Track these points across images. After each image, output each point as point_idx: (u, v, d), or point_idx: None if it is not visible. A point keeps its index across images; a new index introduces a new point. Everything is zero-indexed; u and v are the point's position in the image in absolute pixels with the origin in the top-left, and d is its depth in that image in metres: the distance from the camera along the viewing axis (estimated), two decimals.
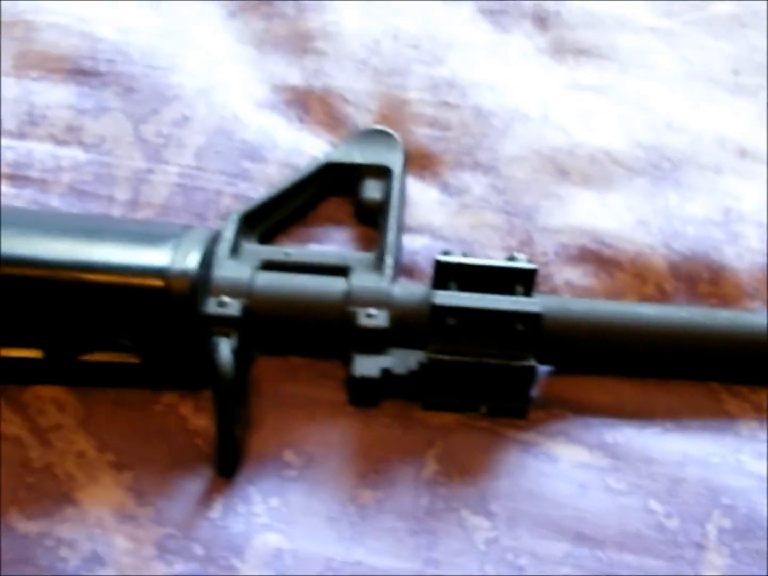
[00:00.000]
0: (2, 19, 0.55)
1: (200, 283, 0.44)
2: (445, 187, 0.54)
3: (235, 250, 0.47)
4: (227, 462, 0.44)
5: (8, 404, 0.45)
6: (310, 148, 0.54)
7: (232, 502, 0.43)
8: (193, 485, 0.43)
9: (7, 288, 0.43)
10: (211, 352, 0.43)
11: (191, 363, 0.44)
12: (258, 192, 0.52)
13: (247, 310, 0.44)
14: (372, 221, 0.51)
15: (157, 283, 0.43)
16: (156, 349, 0.44)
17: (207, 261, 0.45)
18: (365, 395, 0.45)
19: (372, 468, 0.44)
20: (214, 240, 0.46)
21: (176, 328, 0.43)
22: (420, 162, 0.54)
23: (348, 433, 0.45)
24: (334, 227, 0.52)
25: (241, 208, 0.49)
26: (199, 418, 0.45)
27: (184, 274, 0.43)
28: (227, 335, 0.44)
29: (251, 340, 0.45)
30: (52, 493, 0.43)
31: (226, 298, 0.44)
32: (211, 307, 0.44)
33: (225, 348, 0.42)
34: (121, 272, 0.43)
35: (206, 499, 0.43)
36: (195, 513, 0.43)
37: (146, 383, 0.46)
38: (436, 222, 0.52)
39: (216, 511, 0.43)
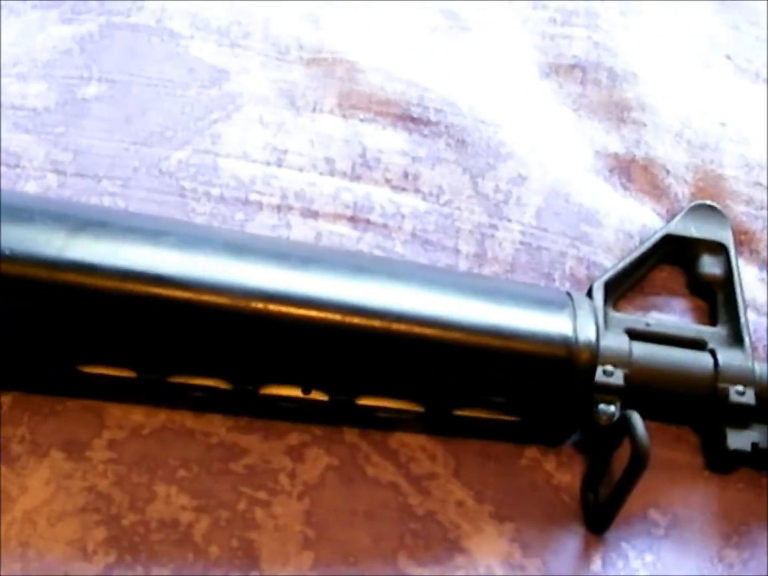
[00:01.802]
0: (322, 56, 0.53)
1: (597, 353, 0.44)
2: (765, 265, 0.53)
3: (604, 318, 0.47)
4: (602, 520, 0.44)
5: (376, 450, 0.45)
6: (638, 215, 0.53)
7: (609, 557, 0.44)
8: (570, 539, 0.44)
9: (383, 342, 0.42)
10: (626, 426, 0.43)
11: (561, 422, 0.45)
12: (598, 256, 0.51)
13: (628, 380, 0.45)
14: (706, 294, 0.52)
15: (562, 352, 0.43)
16: (531, 408, 0.45)
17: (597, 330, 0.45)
18: (732, 465, 0.47)
19: (734, 529, 0.46)
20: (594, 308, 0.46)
21: (561, 392, 0.44)
22: (739, 238, 0.54)
23: (707, 495, 0.47)
24: (669, 297, 0.52)
25: (602, 275, 0.49)
26: (562, 474, 0.46)
27: (587, 345, 0.44)
28: (611, 402, 0.44)
29: (627, 408, 0.45)
30: (440, 541, 0.43)
31: (610, 368, 0.45)
32: (599, 375, 0.44)
33: (639, 422, 0.43)
34: (522, 339, 0.44)
35: (585, 553, 0.44)
36: (579, 566, 0.44)
37: (512, 437, 0.46)
38: (759, 299, 0.52)
39: (596, 565, 0.44)
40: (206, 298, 0.40)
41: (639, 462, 0.42)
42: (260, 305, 0.41)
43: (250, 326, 0.41)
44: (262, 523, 0.42)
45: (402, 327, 0.42)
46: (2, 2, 0.55)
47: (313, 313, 0.41)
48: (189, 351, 0.41)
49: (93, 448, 0.43)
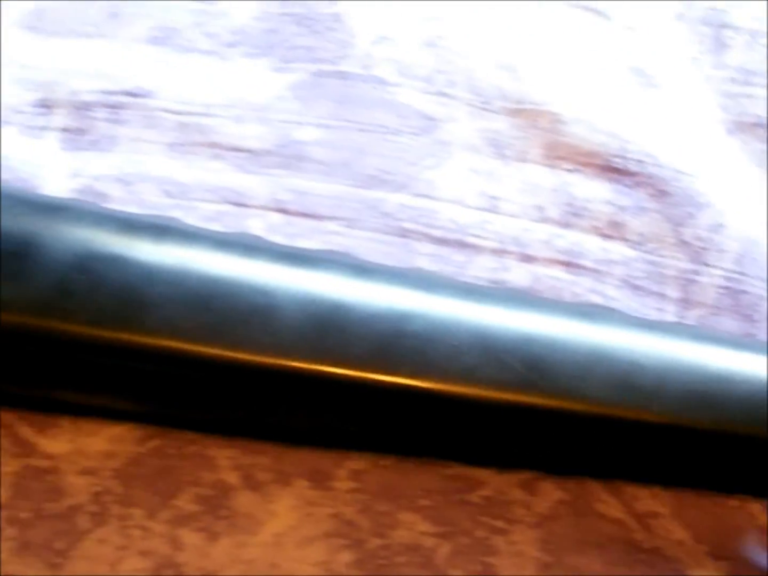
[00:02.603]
0: (525, 107, 0.55)
1: None
2: None
3: None
4: None
5: (603, 487, 0.47)
6: None
7: None
8: None
9: None
10: None
11: None
12: None
13: None
14: None
15: None
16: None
17: None
18: None
19: None
20: None
21: None
22: None
23: None
24: None
25: None
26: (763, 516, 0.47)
27: None
28: None
29: None
30: (667, 572, 0.45)
31: None
32: None
33: None
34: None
35: None
36: None
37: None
38: None
39: None
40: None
41: None
42: None
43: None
44: (500, 549, 0.44)
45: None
46: (212, 49, 0.57)
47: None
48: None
49: (336, 478, 0.45)
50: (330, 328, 0.41)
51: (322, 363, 0.40)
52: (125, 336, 0.41)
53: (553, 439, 0.43)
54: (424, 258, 0.50)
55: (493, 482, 0.45)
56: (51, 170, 0.54)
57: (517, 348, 0.41)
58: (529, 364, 0.41)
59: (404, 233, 0.50)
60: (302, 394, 0.41)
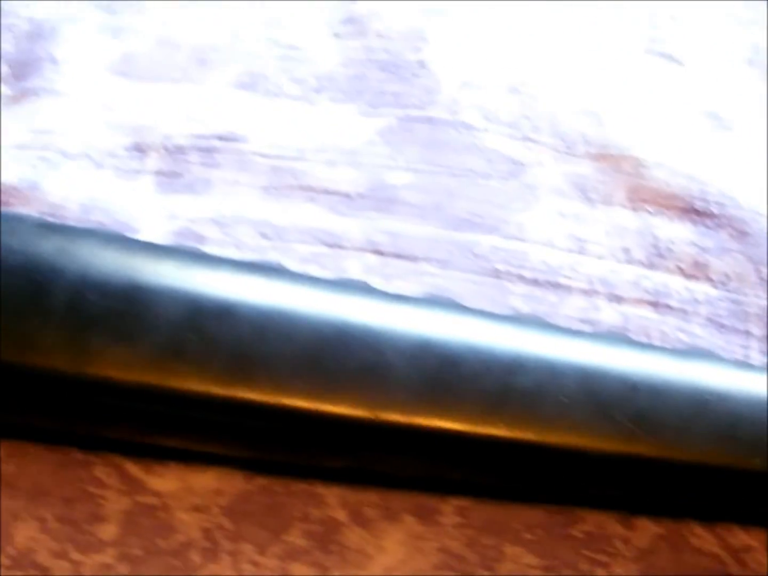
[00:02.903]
0: (609, 152, 0.57)
1: None
2: None
3: None
4: None
5: (698, 522, 0.48)
6: None
7: None
8: None
9: None
10: None
11: None
12: None
13: None
14: None
15: None
16: None
17: None
18: None
19: None
20: None
21: None
22: None
23: None
24: None
25: None
26: None
27: None
28: None
29: None
30: None
31: None
32: None
33: None
34: None
35: None
36: None
37: None
38: None
39: None
40: None
41: None
42: None
43: None
44: None
45: None
46: (300, 94, 0.59)
47: None
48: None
49: (443, 514, 0.46)
50: (439, 385, 0.42)
51: (431, 419, 0.42)
52: (237, 394, 0.42)
53: (654, 485, 0.44)
54: (518, 298, 0.51)
55: (593, 517, 0.47)
56: (148, 213, 0.56)
57: (623, 401, 0.43)
58: (635, 417, 0.43)
59: (497, 274, 0.52)
60: (411, 448, 0.42)
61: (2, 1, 0.64)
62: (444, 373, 0.42)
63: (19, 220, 0.45)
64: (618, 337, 0.46)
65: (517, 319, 0.46)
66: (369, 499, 0.46)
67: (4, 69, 0.64)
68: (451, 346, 0.42)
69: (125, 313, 0.42)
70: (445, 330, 0.43)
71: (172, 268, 0.44)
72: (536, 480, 0.45)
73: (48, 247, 0.44)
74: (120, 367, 0.42)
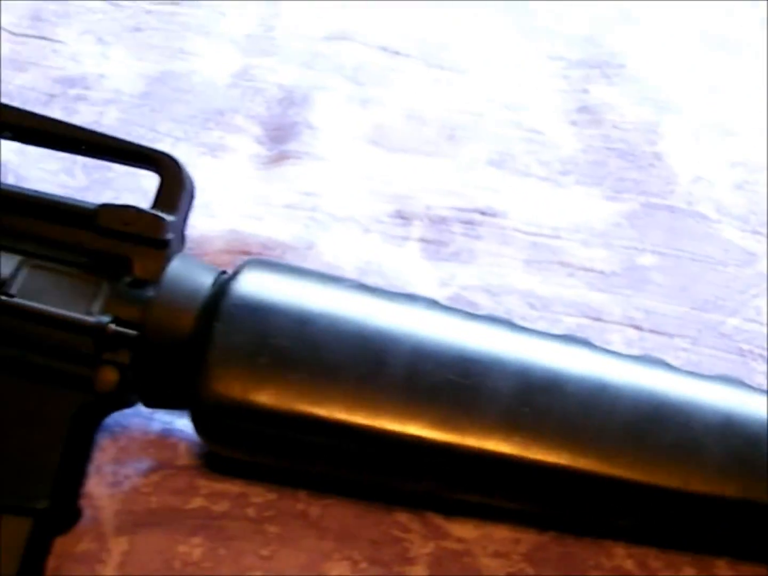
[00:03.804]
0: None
1: None
2: None
3: None
4: None
5: None
6: None
7: None
8: None
9: None
10: None
11: None
12: None
13: None
14: None
15: None
16: None
17: None
18: None
19: None
20: None
21: None
22: None
23: None
24: None
25: None
26: None
27: None
28: None
29: None
30: None
31: None
32: None
33: None
34: None
35: None
36: None
37: None
38: None
39: None
40: None
41: None
42: None
43: None
44: None
45: None
46: (547, 175, 0.67)
47: None
48: None
49: (716, 566, 0.52)
50: (746, 461, 0.49)
51: (736, 492, 0.49)
52: (568, 463, 0.48)
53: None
54: (761, 376, 0.59)
55: None
56: (419, 278, 0.63)
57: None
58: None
59: (742, 353, 0.60)
60: (718, 516, 0.49)
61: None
62: (747, 452, 0.50)
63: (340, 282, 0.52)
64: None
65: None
66: (652, 551, 0.53)
67: (258, 130, 0.71)
68: (752, 425, 0.50)
69: (461, 384, 0.49)
70: (744, 408, 0.51)
71: (498, 339, 0.51)
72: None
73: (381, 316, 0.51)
74: (465, 435, 0.48)
